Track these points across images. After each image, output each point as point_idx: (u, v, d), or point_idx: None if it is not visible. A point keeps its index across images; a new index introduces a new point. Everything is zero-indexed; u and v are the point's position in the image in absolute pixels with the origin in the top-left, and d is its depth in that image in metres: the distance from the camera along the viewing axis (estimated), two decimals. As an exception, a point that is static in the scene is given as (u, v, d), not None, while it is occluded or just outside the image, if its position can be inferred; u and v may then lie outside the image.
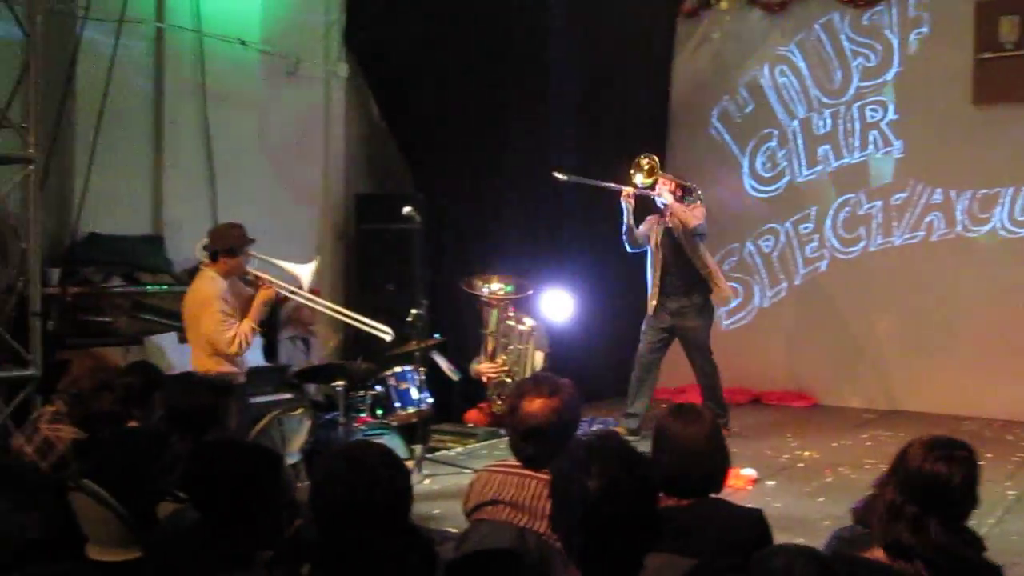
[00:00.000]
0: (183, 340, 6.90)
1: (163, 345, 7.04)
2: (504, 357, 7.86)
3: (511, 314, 7.91)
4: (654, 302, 7.59)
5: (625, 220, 7.45)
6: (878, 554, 2.61)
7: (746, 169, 9.87)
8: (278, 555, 2.67)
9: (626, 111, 9.55)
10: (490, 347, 7.89)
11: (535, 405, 3.14)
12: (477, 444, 7.34)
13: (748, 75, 9.82)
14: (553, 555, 3.02)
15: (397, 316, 7.04)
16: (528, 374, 7.33)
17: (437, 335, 7.47)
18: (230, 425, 4.34)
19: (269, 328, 7.26)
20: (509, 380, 7.62)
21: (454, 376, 7.62)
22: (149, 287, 7.26)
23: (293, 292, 6.17)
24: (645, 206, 7.67)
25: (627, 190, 7.44)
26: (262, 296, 6.00)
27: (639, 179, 7.47)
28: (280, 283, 6.13)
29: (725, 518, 2.93)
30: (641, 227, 7.59)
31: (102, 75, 7.02)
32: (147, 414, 4.83)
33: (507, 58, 9.05)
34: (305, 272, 6.16)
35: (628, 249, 7.59)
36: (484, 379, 7.88)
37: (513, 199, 8.92)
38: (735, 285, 9.82)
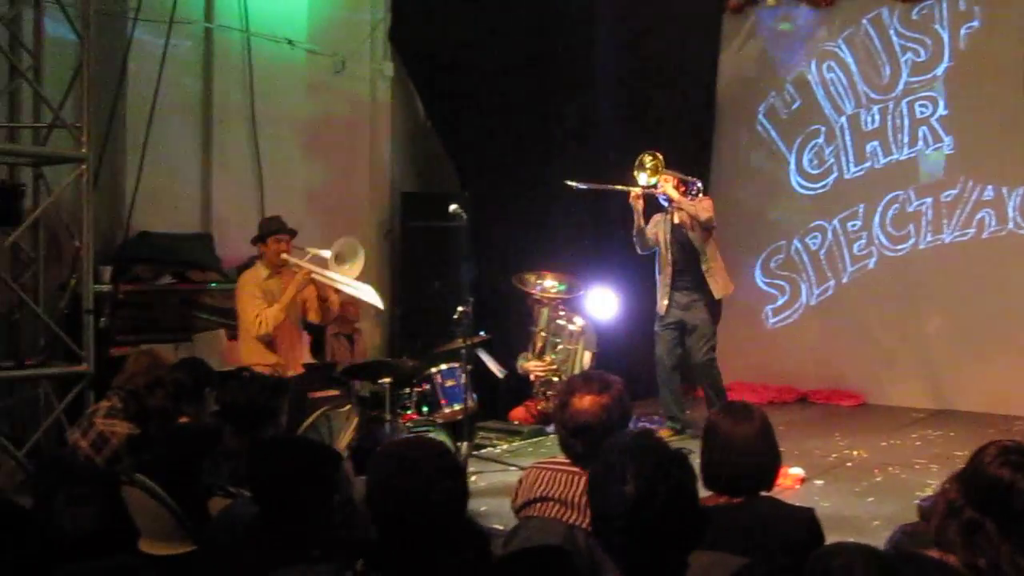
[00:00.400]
0: (232, 336, 7.01)
1: (212, 341, 7.13)
2: (552, 356, 7.85)
3: (561, 313, 7.89)
4: (665, 302, 7.44)
5: (636, 222, 7.32)
6: (935, 552, 2.58)
7: (793, 166, 9.78)
8: (333, 551, 2.69)
9: (672, 108, 9.50)
10: (539, 345, 7.87)
11: (585, 402, 3.13)
12: (523, 442, 7.35)
13: (795, 71, 9.73)
14: (602, 552, 3.03)
15: (443, 314, 7.07)
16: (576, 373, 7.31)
17: (482, 332, 7.47)
18: (282, 423, 4.37)
19: (315, 326, 7.31)
20: (556, 379, 7.60)
21: (500, 374, 7.62)
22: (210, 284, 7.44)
23: (321, 273, 6.42)
24: (651, 206, 7.51)
25: (635, 191, 7.26)
26: (292, 280, 6.38)
27: (643, 178, 7.25)
28: (309, 265, 6.39)
29: (776, 517, 2.91)
30: (648, 227, 7.43)
31: (152, 75, 7.10)
32: (198, 410, 4.90)
33: (553, 56, 9.05)
34: (327, 253, 6.42)
35: (639, 251, 7.47)
36: (531, 377, 7.88)
37: (558, 196, 8.90)
38: (782, 283, 9.77)
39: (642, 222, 7.34)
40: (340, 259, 6.48)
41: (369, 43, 9.14)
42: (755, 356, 9.58)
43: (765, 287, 9.85)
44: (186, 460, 4.20)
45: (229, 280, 7.39)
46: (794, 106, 9.77)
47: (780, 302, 9.71)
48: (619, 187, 7.39)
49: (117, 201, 7.25)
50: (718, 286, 7.39)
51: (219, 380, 4.98)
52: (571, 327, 7.84)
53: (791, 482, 5.97)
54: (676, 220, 7.35)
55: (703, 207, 7.29)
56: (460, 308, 6.38)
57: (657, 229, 7.44)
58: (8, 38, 6.47)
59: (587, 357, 7.83)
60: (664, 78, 9.51)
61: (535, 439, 7.43)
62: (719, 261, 7.47)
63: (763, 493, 3.02)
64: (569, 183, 7.42)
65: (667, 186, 7.29)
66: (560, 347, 7.86)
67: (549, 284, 7.92)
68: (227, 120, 7.86)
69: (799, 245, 9.78)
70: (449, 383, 7.11)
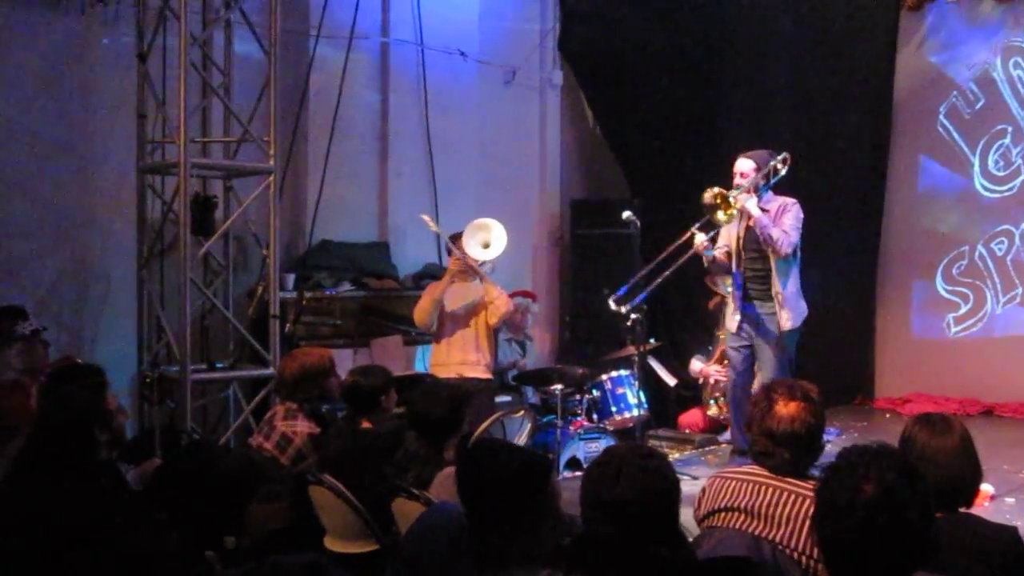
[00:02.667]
0: (408, 342, 7.21)
1: (389, 346, 7.33)
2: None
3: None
4: (737, 317, 6.40)
5: (705, 263, 6.46)
6: None
7: (977, 168, 9.37)
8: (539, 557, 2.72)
9: (846, 111, 9.25)
10: (719, 349, 7.62)
11: (791, 408, 3.07)
12: (694, 450, 7.27)
13: (978, 69, 9.32)
14: (790, 564, 2.97)
15: (612, 320, 7.07)
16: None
17: (653, 340, 7.44)
18: (464, 430, 4.46)
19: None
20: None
21: (670, 381, 7.56)
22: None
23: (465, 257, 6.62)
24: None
25: (698, 242, 6.26)
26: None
27: (720, 216, 6.16)
28: (462, 251, 6.61)
29: (978, 534, 2.80)
30: (720, 243, 6.44)
31: (333, 89, 7.39)
32: (378, 415, 5.03)
33: (722, 59, 8.95)
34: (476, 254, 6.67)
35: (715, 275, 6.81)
36: (711, 380, 7.75)
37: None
38: (964, 291, 9.36)
39: (712, 256, 6.40)
40: (485, 246, 6.67)
41: (538, 53, 9.24)
42: (936, 366, 9.21)
43: (947, 295, 9.44)
44: (370, 464, 4.34)
45: (405, 288, 7.60)
46: (978, 105, 9.35)
47: (963, 310, 9.30)
48: (671, 254, 6.43)
49: (299, 211, 7.55)
50: (784, 317, 6.23)
51: (398, 385, 5.12)
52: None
53: (980, 499, 5.70)
54: (751, 222, 6.29)
55: (784, 233, 6.15)
56: (633, 315, 6.35)
57: (729, 234, 6.45)
58: (201, 57, 6.82)
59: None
60: (838, 79, 9.27)
61: (707, 448, 7.34)
62: (794, 286, 6.34)
63: (962, 510, 2.91)
64: (611, 303, 6.45)
65: (745, 201, 6.20)
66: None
67: None
68: (402, 131, 8.08)
69: (983, 251, 9.35)
70: (620, 390, 7.12)
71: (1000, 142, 9.24)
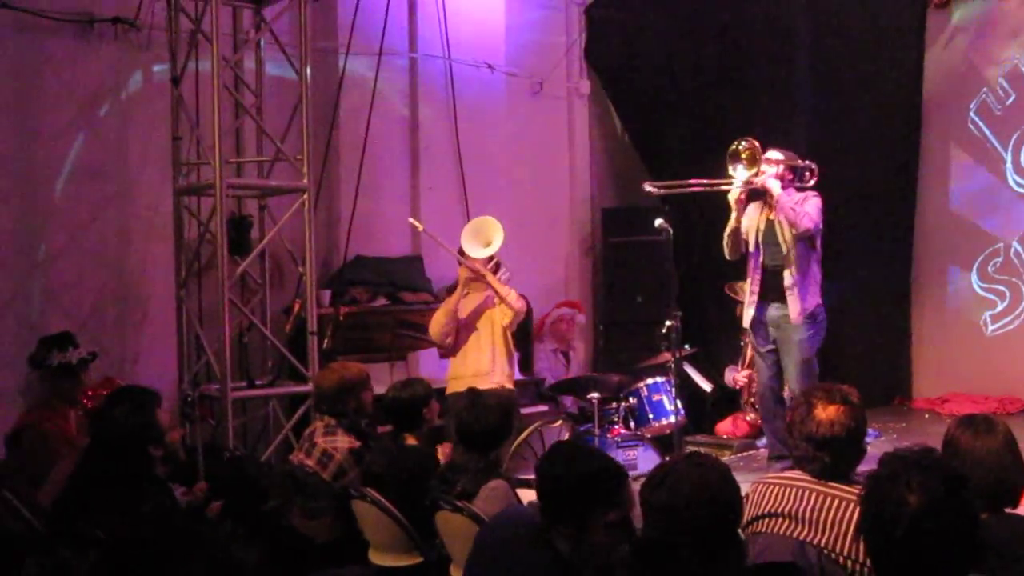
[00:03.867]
0: (444, 356, 7.24)
1: (424, 360, 7.37)
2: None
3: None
4: (751, 311, 6.36)
5: (731, 223, 6.31)
6: None
7: (1009, 164, 9.29)
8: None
9: (876, 111, 9.22)
10: (749, 355, 7.65)
11: (830, 412, 3.08)
12: (733, 456, 7.25)
13: (1009, 64, 9.24)
14: (836, 569, 2.98)
15: (646, 328, 7.09)
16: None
17: (688, 346, 7.44)
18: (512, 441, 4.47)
19: (523, 341, 7.45)
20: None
21: (706, 387, 7.56)
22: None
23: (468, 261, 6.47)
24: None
25: (736, 191, 6.19)
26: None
27: (740, 171, 6.14)
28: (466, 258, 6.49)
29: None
30: (742, 224, 6.33)
31: (364, 105, 7.47)
32: (421, 429, 5.07)
33: (750, 65, 8.95)
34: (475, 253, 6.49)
35: (728, 256, 6.51)
36: (743, 387, 7.76)
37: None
38: (1001, 288, 9.28)
39: (741, 222, 6.30)
40: (486, 244, 6.47)
41: (565, 63, 9.29)
42: (974, 365, 9.14)
43: (983, 292, 9.37)
44: (413, 478, 4.37)
45: (439, 300, 7.64)
46: (1008, 101, 9.28)
47: (1000, 308, 9.22)
48: (710, 184, 6.41)
49: (333, 227, 7.62)
50: (796, 307, 6.15)
51: (438, 397, 5.15)
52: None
53: (1020, 499, 5.66)
54: (771, 215, 6.23)
55: (806, 212, 6.08)
56: (668, 322, 6.35)
57: (749, 224, 6.32)
58: (233, 79, 6.91)
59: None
60: (866, 81, 9.24)
61: (745, 453, 7.33)
62: (812, 276, 6.26)
63: (1008, 510, 2.91)
64: (648, 187, 6.47)
65: (767, 177, 6.16)
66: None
67: None
68: (433, 145, 8.13)
69: (1019, 247, 9.27)
70: (656, 397, 7.13)
71: (1032, 137, 9.18)
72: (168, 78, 6.70)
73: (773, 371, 6.37)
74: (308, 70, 6.62)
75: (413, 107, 8.10)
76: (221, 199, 6.20)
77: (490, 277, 6.42)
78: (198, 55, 6.57)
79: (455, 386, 6.28)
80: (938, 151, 9.53)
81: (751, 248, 6.35)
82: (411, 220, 6.94)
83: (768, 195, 6.19)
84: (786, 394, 6.32)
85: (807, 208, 6.13)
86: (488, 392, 4.74)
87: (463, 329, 6.52)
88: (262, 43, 7.04)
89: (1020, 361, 8.99)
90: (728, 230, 6.33)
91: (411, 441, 4.95)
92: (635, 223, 8.15)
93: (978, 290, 9.38)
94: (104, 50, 6.75)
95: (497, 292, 6.43)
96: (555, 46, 9.24)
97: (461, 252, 6.50)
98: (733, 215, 6.26)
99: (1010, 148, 9.26)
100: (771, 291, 6.29)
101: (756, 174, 6.14)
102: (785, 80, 8.95)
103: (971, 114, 9.47)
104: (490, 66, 8.40)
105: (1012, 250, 9.28)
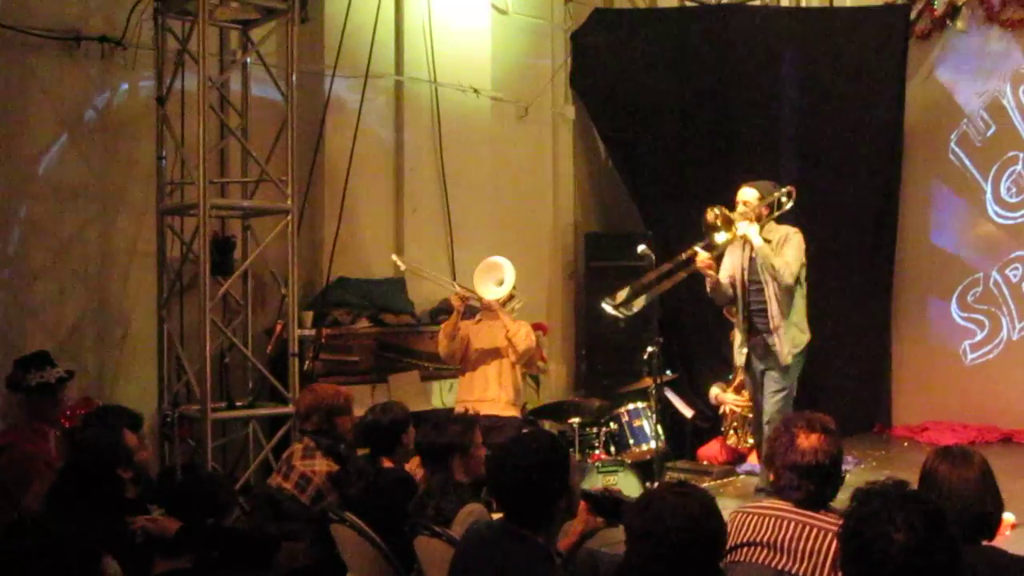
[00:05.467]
0: (425, 378, 7.25)
1: (406, 382, 7.36)
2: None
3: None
4: (744, 350, 6.45)
5: (710, 284, 6.36)
6: None
7: (989, 195, 9.38)
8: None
9: (856, 140, 9.28)
10: (738, 379, 7.66)
11: (812, 440, 3.10)
12: (713, 482, 7.26)
13: (988, 96, 9.36)
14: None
15: (628, 353, 7.09)
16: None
17: (669, 372, 7.45)
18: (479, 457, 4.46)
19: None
20: (751, 416, 7.47)
21: (687, 413, 7.58)
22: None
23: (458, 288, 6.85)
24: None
25: (702, 259, 6.21)
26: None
27: (721, 237, 6.20)
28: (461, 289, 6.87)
29: (1003, 568, 2.81)
30: (724, 266, 6.45)
31: (349, 128, 7.46)
32: (398, 453, 5.04)
33: (733, 94, 9.02)
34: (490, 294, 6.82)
35: (719, 305, 6.65)
36: (727, 410, 7.76)
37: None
38: (980, 317, 9.35)
39: (716, 277, 6.36)
40: (499, 283, 6.81)
41: (550, 88, 9.33)
42: (953, 394, 9.21)
43: (962, 322, 9.44)
44: (391, 503, 4.36)
45: (421, 323, 7.64)
46: (989, 133, 9.39)
47: (979, 337, 9.30)
48: (671, 271, 6.43)
49: (317, 248, 7.61)
50: (784, 348, 6.23)
51: (415, 420, 5.13)
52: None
53: (1002, 528, 5.67)
54: (753, 253, 6.30)
55: (786, 263, 6.16)
56: (650, 348, 6.38)
57: (733, 264, 6.46)
58: (219, 99, 6.91)
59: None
60: (848, 111, 9.32)
61: (725, 479, 7.33)
62: (798, 315, 6.33)
63: (985, 542, 2.92)
64: (605, 305, 6.58)
65: (746, 228, 6.19)
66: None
67: None
68: (417, 168, 8.13)
69: (998, 277, 9.35)
70: (637, 422, 7.13)
71: (1012, 168, 9.27)
72: (154, 97, 6.69)
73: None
74: (294, 92, 6.64)
75: (398, 130, 8.10)
76: (205, 219, 6.19)
77: (503, 316, 6.70)
78: (184, 75, 6.57)
79: (461, 409, 6.35)
80: (919, 181, 9.61)
81: (738, 290, 6.42)
82: (394, 257, 7.09)
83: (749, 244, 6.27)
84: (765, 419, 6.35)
85: (786, 253, 6.21)
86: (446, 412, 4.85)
87: (476, 355, 6.80)
88: (248, 64, 7.04)
89: (999, 390, 9.05)
90: (708, 290, 6.42)
91: (387, 464, 4.93)
92: (618, 248, 8.18)
93: (958, 319, 9.44)
94: (90, 68, 6.72)
95: (507, 330, 6.68)
96: (541, 71, 9.29)
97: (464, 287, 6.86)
98: (708, 276, 6.31)
99: (990, 179, 9.36)
100: (758, 326, 6.36)
101: (733, 234, 6.21)
102: (768, 109, 9.03)
103: (952, 145, 9.56)
104: (476, 90, 8.42)
105: (991, 280, 9.36)
